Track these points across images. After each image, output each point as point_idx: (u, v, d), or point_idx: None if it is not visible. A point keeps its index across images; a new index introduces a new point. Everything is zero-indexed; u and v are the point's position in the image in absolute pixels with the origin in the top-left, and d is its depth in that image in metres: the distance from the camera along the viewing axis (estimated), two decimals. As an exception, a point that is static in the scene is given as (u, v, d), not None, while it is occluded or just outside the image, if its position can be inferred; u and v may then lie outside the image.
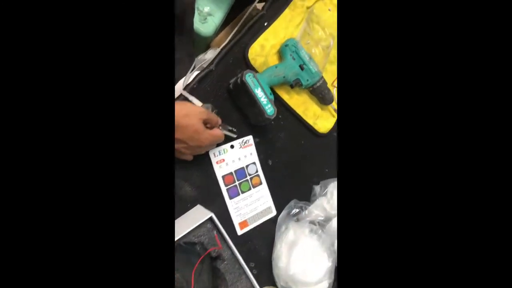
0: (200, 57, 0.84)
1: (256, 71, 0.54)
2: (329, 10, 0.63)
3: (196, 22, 0.72)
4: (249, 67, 0.54)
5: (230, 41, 0.53)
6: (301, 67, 0.55)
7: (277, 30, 0.57)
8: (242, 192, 0.51)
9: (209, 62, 0.85)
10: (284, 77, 0.54)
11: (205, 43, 0.84)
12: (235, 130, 0.49)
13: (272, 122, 0.55)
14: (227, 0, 0.78)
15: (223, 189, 0.49)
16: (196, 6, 0.71)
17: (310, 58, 0.55)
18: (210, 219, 0.44)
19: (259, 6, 0.78)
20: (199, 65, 0.82)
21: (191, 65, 0.74)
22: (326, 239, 0.54)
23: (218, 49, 0.76)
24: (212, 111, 0.48)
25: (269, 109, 0.49)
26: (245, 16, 0.69)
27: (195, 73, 0.56)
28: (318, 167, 0.62)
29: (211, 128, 0.46)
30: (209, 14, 0.75)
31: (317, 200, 0.57)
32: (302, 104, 0.59)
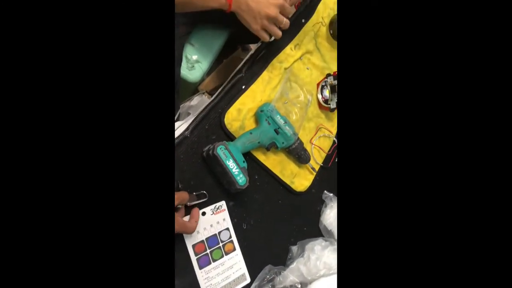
0: (186, 103, 0.85)
1: (232, 135, 0.55)
2: (307, 69, 0.65)
3: (184, 69, 0.74)
4: (225, 132, 0.54)
5: (206, 106, 0.54)
6: (276, 131, 0.55)
7: (255, 93, 0.58)
8: (214, 261, 0.50)
9: (193, 108, 0.85)
10: (259, 142, 0.54)
11: (192, 89, 0.86)
12: (204, 192, 0.50)
13: (248, 184, 0.55)
14: (214, 47, 0.79)
15: (193, 259, 0.49)
16: (184, 54, 0.73)
17: (286, 121, 0.56)
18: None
19: (243, 55, 0.80)
20: (184, 111, 0.83)
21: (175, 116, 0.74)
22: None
23: (201, 103, 0.78)
24: (178, 186, 0.48)
25: (241, 179, 0.49)
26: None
27: (178, 124, 0.57)
28: (296, 226, 0.62)
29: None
30: (197, 61, 0.77)
31: (293, 263, 0.57)
32: (278, 163, 0.60)
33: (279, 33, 0.54)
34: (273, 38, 0.56)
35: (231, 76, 0.59)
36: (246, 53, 0.85)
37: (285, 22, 0.55)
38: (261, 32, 0.54)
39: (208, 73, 0.90)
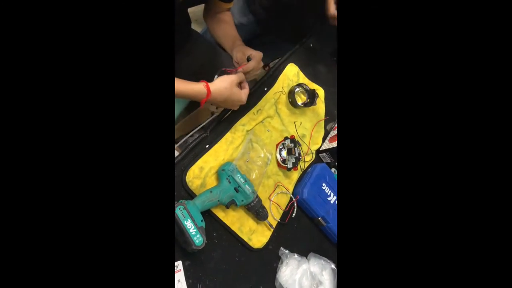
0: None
1: (193, 193, 0.57)
2: (267, 131, 0.71)
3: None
4: (186, 190, 0.56)
5: (169, 164, 0.56)
6: (236, 190, 0.58)
7: (218, 152, 0.62)
8: (164, 327, 0.48)
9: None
10: (218, 200, 0.57)
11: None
12: None
13: (206, 242, 0.56)
14: (180, 105, 0.84)
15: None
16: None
17: (246, 180, 0.60)
18: None
19: (213, 108, 0.85)
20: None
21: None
22: None
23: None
24: None
25: (198, 239, 0.50)
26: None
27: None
28: (252, 284, 0.62)
29: None
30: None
31: (247, 325, 0.56)
32: (237, 220, 0.62)
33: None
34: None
35: (194, 132, 0.64)
36: (213, 106, 0.91)
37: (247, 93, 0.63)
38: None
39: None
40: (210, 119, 0.74)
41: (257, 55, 0.63)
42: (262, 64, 0.65)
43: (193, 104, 0.91)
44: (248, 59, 0.63)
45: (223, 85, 0.58)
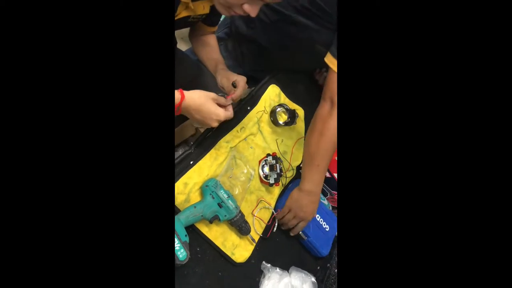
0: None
1: (177, 208, 0.58)
2: (250, 148, 0.74)
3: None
4: (170, 205, 0.58)
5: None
6: (220, 205, 0.60)
7: (202, 169, 0.64)
8: None
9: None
10: (202, 215, 0.58)
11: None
12: None
13: (190, 257, 0.56)
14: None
15: None
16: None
17: (229, 195, 0.62)
18: None
19: (197, 124, 0.87)
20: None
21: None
22: None
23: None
24: None
25: (181, 254, 0.51)
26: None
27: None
28: (235, 299, 0.63)
29: None
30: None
31: None
32: (221, 235, 0.63)
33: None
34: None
35: (178, 147, 0.65)
36: (196, 123, 0.94)
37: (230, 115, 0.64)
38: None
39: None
40: (194, 134, 0.77)
41: (241, 80, 0.67)
42: (247, 87, 0.69)
43: (178, 119, 0.93)
44: (233, 85, 0.67)
45: (197, 94, 0.59)
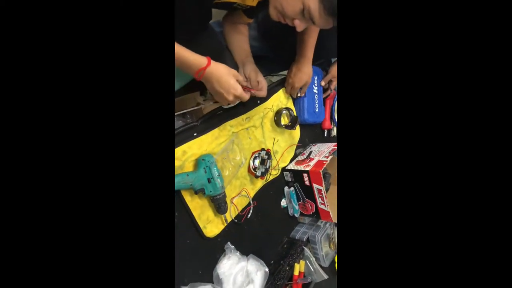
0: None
1: (170, 171, 0.61)
2: (249, 138, 0.79)
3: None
4: (165, 166, 0.60)
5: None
6: (209, 180, 0.64)
7: (203, 143, 0.67)
8: None
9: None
10: (191, 185, 0.62)
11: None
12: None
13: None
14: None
15: None
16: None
17: (219, 174, 0.66)
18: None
19: (200, 99, 0.90)
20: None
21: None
22: None
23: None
24: None
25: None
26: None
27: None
28: (193, 268, 0.67)
29: None
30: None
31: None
32: (200, 207, 0.67)
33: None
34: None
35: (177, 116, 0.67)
36: (202, 97, 0.95)
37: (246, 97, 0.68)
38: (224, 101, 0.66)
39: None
40: (195, 108, 0.79)
41: (265, 84, 0.72)
42: (266, 92, 0.73)
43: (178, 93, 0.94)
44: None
45: (222, 65, 0.62)
